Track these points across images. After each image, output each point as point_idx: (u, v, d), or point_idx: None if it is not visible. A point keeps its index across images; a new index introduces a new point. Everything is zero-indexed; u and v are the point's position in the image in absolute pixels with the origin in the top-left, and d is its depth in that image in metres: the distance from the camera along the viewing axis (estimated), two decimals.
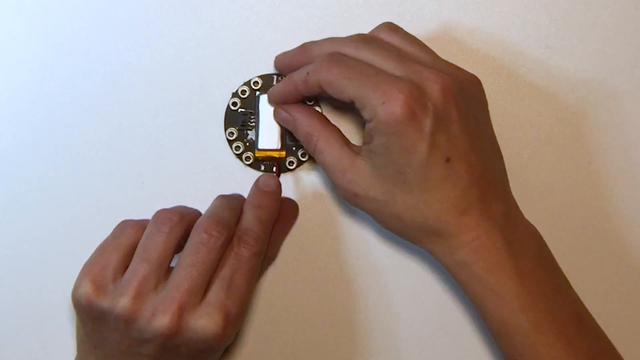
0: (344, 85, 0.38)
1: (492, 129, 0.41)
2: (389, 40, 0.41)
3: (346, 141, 0.41)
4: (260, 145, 0.44)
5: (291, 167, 0.44)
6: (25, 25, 0.45)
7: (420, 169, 0.38)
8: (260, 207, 0.40)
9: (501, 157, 0.41)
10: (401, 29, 0.41)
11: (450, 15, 0.45)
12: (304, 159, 0.44)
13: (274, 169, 0.44)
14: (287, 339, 0.44)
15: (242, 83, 0.44)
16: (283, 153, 0.44)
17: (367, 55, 0.39)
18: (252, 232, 0.39)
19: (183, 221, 0.38)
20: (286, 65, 0.43)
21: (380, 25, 0.42)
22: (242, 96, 0.44)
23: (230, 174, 0.44)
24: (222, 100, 0.44)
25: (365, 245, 0.44)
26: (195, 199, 0.44)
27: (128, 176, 0.44)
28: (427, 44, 0.45)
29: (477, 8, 0.45)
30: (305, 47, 0.42)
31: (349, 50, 0.40)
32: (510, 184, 0.43)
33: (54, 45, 0.45)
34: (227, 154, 0.45)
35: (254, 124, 0.44)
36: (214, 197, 0.44)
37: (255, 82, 0.44)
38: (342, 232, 0.45)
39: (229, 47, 0.45)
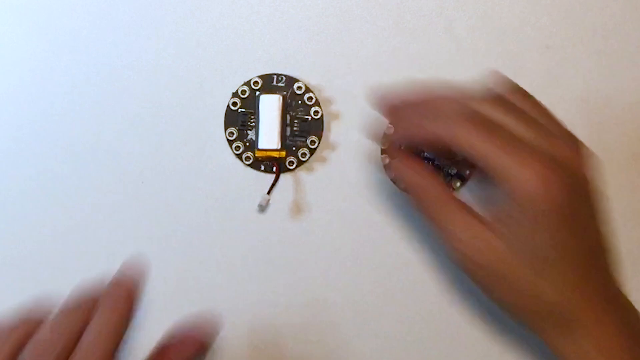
0: (482, 149, 0.36)
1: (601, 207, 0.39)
2: (520, 105, 0.38)
3: (469, 207, 0.39)
4: (260, 145, 0.44)
5: (291, 167, 0.44)
6: (25, 25, 0.45)
7: (552, 248, 0.36)
8: (105, 312, 0.34)
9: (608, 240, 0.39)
10: (528, 93, 0.39)
11: (450, 15, 0.45)
12: (304, 159, 0.44)
13: (274, 169, 0.44)
14: (286, 340, 0.44)
15: (242, 83, 0.44)
16: (283, 153, 0.44)
17: (504, 118, 0.37)
18: (89, 351, 0.33)
19: (8, 342, 0.33)
20: (397, 112, 0.40)
21: (505, 85, 0.39)
22: (242, 96, 0.44)
23: (230, 174, 0.44)
24: (222, 100, 0.44)
25: (365, 245, 0.44)
26: (195, 199, 0.44)
27: (128, 176, 0.45)
28: (426, 43, 0.45)
29: (477, 8, 0.45)
30: (427, 99, 0.39)
31: (482, 109, 0.37)
32: None
33: (54, 45, 0.45)
34: (227, 154, 0.45)
35: (254, 124, 0.44)
36: (214, 197, 0.44)
37: (255, 82, 0.44)
38: (341, 233, 0.45)
39: (229, 47, 0.45)
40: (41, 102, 0.45)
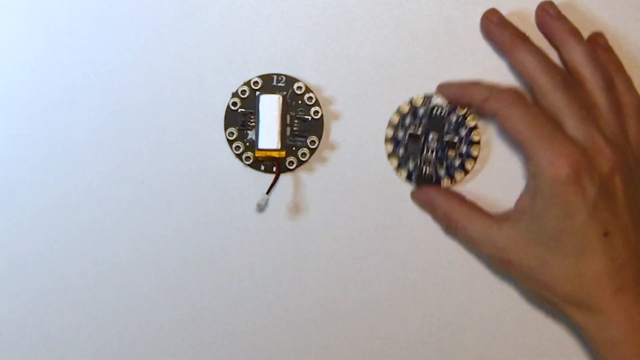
0: (520, 129, 0.39)
1: None
2: (592, 81, 0.41)
3: (488, 213, 0.42)
4: (260, 145, 0.44)
5: (291, 167, 0.44)
6: (25, 25, 0.45)
7: (577, 237, 0.38)
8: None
9: None
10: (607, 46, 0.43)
11: (450, 15, 0.45)
12: (304, 159, 0.44)
13: (274, 169, 0.44)
14: (285, 340, 0.44)
15: (242, 83, 0.44)
16: (283, 153, 0.44)
17: (557, 102, 0.40)
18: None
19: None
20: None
21: (595, 43, 0.43)
22: (242, 96, 0.44)
23: (230, 174, 0.45)
24: (222, 100, 0.44)
25: (365, 246, 0.44)
26: (194, 198, 0.44)
27: (128, 176, 0.45)
28: (426, 43, 0.45)
29: (477, 8, 0.45)
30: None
31: (545, 84, 0.40)
32: (511, 184, 0.43)
33: (54, 45, 0.45)
34: (227, 154, 0.45)
35: (254, 124, 0.44)
36: (214, 197, 0.44)
37: (255, 82, 0.44)
38: (341, 233, 0.45)
39: (229, 47, 0.45)
40: (41, 102, 0.45)
